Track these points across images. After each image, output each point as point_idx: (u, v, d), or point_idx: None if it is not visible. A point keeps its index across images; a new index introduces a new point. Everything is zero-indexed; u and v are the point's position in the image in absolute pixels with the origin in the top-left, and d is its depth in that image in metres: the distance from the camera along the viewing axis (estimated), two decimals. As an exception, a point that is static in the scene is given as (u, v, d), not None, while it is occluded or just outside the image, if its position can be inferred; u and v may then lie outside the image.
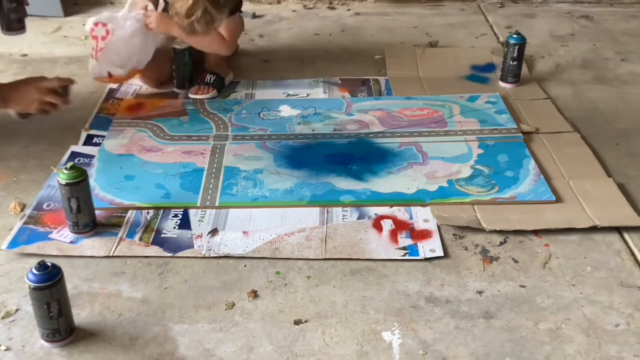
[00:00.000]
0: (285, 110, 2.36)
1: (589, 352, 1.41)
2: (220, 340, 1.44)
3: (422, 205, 1.86)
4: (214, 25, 2.15)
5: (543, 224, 1.77)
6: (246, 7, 3.38)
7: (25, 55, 2.83)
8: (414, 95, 2.47)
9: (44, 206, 1.85)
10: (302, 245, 1.71)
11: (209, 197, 1.89)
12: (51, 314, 1.37)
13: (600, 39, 3.01)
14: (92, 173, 1.97)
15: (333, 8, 3.44)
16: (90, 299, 1.55)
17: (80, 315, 1.50)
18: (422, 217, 1.82)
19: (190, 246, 1.71)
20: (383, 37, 3.04)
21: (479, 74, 2.63)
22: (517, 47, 2.44)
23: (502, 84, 2.52)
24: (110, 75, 2.36)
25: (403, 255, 1.68)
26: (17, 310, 1.52)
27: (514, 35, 2.46)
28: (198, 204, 1.86)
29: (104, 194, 1.89)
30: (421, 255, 1.68)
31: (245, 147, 2.13)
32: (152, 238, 1.74)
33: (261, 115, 2.33)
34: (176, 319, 1.49)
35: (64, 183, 1.66)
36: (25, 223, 1.78)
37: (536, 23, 3.22)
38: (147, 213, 1.83)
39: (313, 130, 2.23)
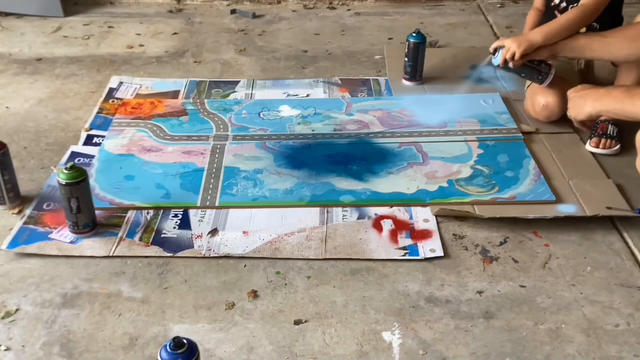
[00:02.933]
0: (285, 110, 2.36)
1: (589, 352, 1.41)
2: (220, 340, 1.44)
3: (422, 205, 1.86)
4: None
5: (541, 220, 1.77)
6: (246, 7, 3.40)
7: (25, 55, 2.83)
8: (414, 95, 2.46)
9: (44, 206, 1.85)
10: (302, 245, 1.71)
11: (209, 197, 1.89)
12: None
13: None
14: (92, 173, 1.97)
15: (333, 8, 3.44)
16: (90, 299, 1.55)
17: (80, 315, 1.50)
18: (422, 217, 1.82)
19: (190, 246, 1.71)
20: (383, 37, 3.04)
21: (479, 73, 2.62)
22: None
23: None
24: None
25: (403, 255, 1.68)
26: (17, 310, 1.52)
27: (413, 34, 2.48)
28: (198, 204, 1.86)
29: (104, 194, 1.89)
30: (421, 255, 1.68)
31: (245, 147, 2.13)
32: (152, 238, 1.74)
33: (261, 115, 2.33)
34: (176, 319, 1.49)
35: (64, 183, 1.66)
36: (25, 223, 1.78)
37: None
38: (147, 213, 1.83)
39: (313, 130, 2.23)
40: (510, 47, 2.07)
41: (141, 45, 2.94)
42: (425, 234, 1.75)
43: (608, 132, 2.10)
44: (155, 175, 1.98)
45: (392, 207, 1.86)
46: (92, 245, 1.71)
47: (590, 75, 2.32)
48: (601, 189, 1.91)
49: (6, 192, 1.82)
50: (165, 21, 3.24)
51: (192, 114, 2.33)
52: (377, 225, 1.79)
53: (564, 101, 2.16)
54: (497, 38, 3.01)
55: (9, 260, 1.67)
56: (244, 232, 1.76)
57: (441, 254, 1.68)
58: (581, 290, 1.58)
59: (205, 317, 1.50)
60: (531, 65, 2.14)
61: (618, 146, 2.09)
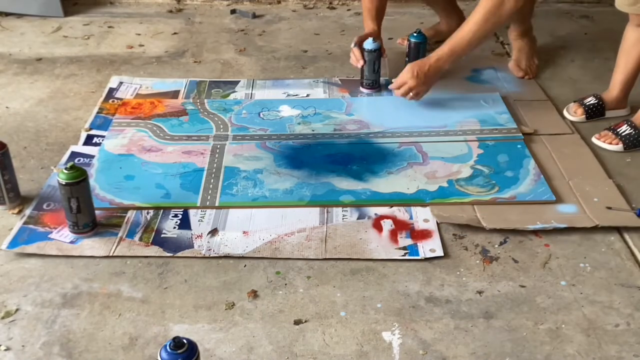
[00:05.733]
0: (285, 110, 2.36)
1: (589, 352, 1.41)
2: (220, 340, 1.44)
3: (422, 205, 1.86)
4: None
5: (543, 223, 1.76)
6: (246, 7, 3.40)
7: (25, 55, 2.83)
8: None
9: (44, 206, 1.85)
10: (302, 245, 1.71)
11: (209, 197, 1.89)
12: None
13: (600, 38, 3.00)
14: (92, 173, 1.97)
15: (333, 8, 3.44)
16: (90, 299, 1.55)
17: (80, 315, 1.50)
18: (422, 217, 1.82)
19: (190, 246, 1.71)
20: (383, 37, 3.03)
21: (479, 74, 2.63)
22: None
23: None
24: None
25: (403, 255, 1.68)
26: (17, 310, 1.52)
27: (414, 34, 2.49)
28: (198, 204, 1.86)
29: (104, 194, 1.89)
30: (421, 255, 1.68)
31: (245, 147, 2.13)
32: (152, 238, 1.74)
33: (261, 115, 2.33)
34: (176, 319, 1.49)
35: (64, 183, 1.66)
36: (25, 223, 1.78)
37: (536, 23, 3.20)
38: (147, 213, 1.83)
39: (313, 130, 2.23)
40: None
41: (141, 45, 2.94)
42: (425, 234, 1.75)
43: (618, 130, 2.11)
44: (155, 175, 1.98)
45: (392, 207, 1.86)
46: (92, 245, 1.71)
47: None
48: (601, 189, 1.91)
49: (6, 192, 1.83)
50: (165, 21, 3.24)
51: (192, 114, 2.33)
52: (377, 225, 1.79)
53: None
54: (497, 38, 3.01)
55: (9, 260, 1.67)
56: (244, 232, 1.76)
57: (441, 254, 1.68)
58: (581, 290, 1.58)
59: (205, 317, 1.50)
60: None
61: (620, 145, 2.09)
